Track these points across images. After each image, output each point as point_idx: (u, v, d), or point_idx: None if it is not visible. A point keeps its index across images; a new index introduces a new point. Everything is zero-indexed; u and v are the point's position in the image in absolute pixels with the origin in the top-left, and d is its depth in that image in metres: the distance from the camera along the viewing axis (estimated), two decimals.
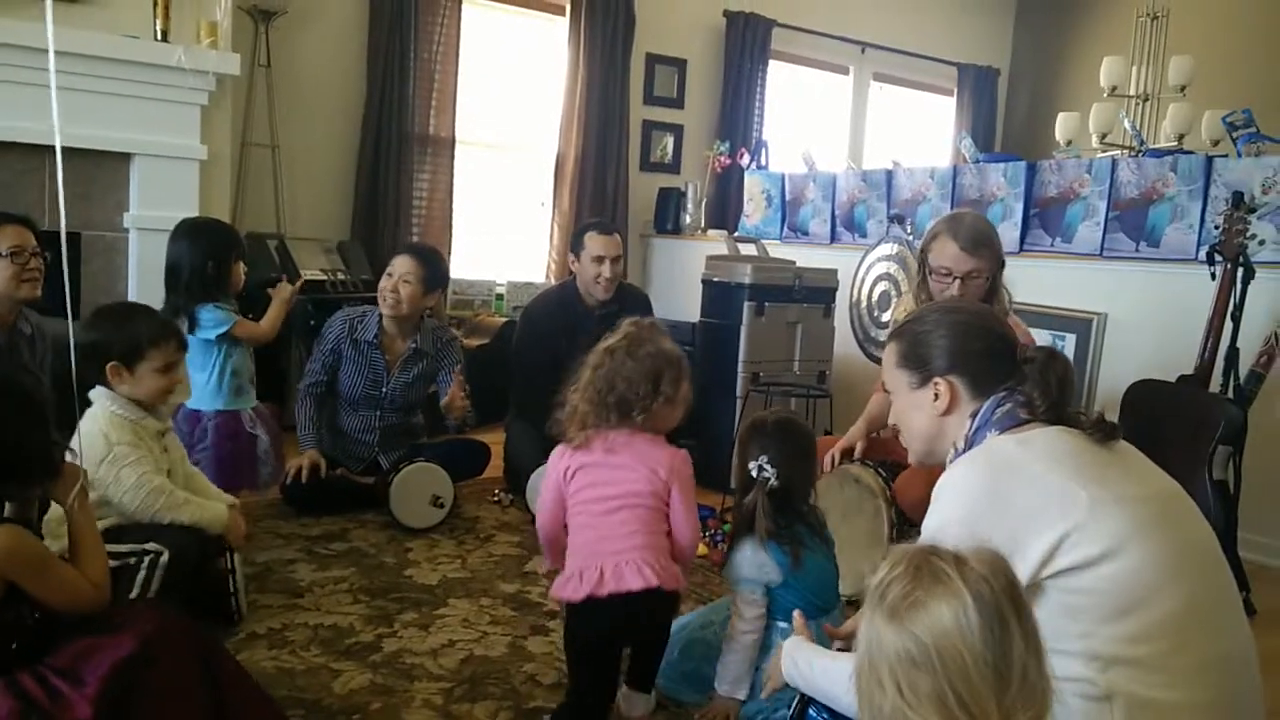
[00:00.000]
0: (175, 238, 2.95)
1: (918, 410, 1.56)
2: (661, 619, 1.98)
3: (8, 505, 1.50)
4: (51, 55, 1.62)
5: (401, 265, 3.33)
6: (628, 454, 1.95)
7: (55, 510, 1.67)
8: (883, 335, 4.16)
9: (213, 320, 2.87)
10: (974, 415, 1.49)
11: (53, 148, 3.52)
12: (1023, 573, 1.29)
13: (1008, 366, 1.49)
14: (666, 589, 1.86)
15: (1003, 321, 1.59)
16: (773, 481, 2.01)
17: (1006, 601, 0.96)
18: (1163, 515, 1.36)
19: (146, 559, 2.10)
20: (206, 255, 2.89)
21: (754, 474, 2.03)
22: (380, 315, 3.38)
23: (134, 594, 2.06)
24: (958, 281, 2.54)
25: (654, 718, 2.05)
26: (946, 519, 1.38)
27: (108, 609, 1.60)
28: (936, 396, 1.52)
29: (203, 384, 2.93)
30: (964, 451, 1.49)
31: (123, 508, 2.13)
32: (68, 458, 1.65)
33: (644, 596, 1.83)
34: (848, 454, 2.80)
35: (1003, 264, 2.62)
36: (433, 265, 3.40)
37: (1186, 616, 1.29)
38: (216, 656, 1.66)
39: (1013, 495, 1.34)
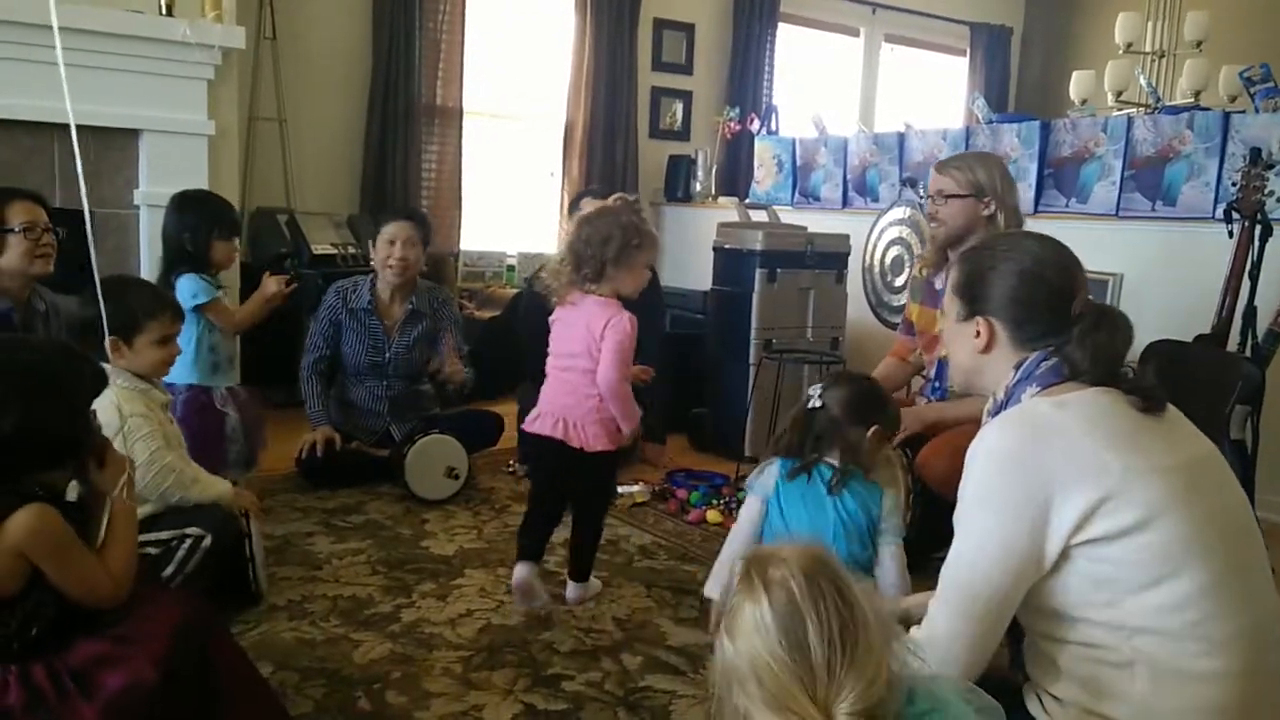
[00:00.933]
0: (166, 209, 2.98)
1: (961, 341, 1.53)
2: (586, 472, 2.28)
3: (39, 486, 1.50)
4: (57, 35, 1.61)
5: (402, 231, 3.35)
6: (576, 314, 2.25)
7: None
8: (896, 300, 4.14)
9: (189, 289, 2.81)
10: (1018, 366, 1.45)
11: (62, 125, 3.53)
12: (1054, 541, 1.29)
13: (1059, 322, 1.43)
14: (584, 449, 2.22)
15: (1073, 270, 1.49)
16: (814, 402, 2.00)
17: (807, 594, 0.99)
18: (1194, 484, 1.34)
19: (188, 541, 2.12)
20: (183, 228, 2.88)
21: (806, 399, 2.04)
22: (372, 282, 3.41)
23: (170, 571, 2.09)
24: (930, 199, 2.65)
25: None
26: (980, 486, 1.36)
27: (131, 604, 1.57)
28: (978, 334, 1.49)
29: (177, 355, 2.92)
30: (1002, 406, 1.46)
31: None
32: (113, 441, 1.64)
33: (566, 449, 2.23)
34: None
35: (998, 197, 2.63)
36: (423, 223, 3.50)
37: (1217, 588, 1.28)
38: (222, 653, 1.63)
39: (1045, 461, 1.31)
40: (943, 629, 1.34)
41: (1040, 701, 1.36)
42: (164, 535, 2.11)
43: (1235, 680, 1.26)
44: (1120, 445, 1.31)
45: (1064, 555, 1.30)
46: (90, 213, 3.70)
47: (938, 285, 2.79)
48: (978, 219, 2.64)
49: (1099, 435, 1.32)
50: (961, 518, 1.37)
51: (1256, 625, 1.30)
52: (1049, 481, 1.29)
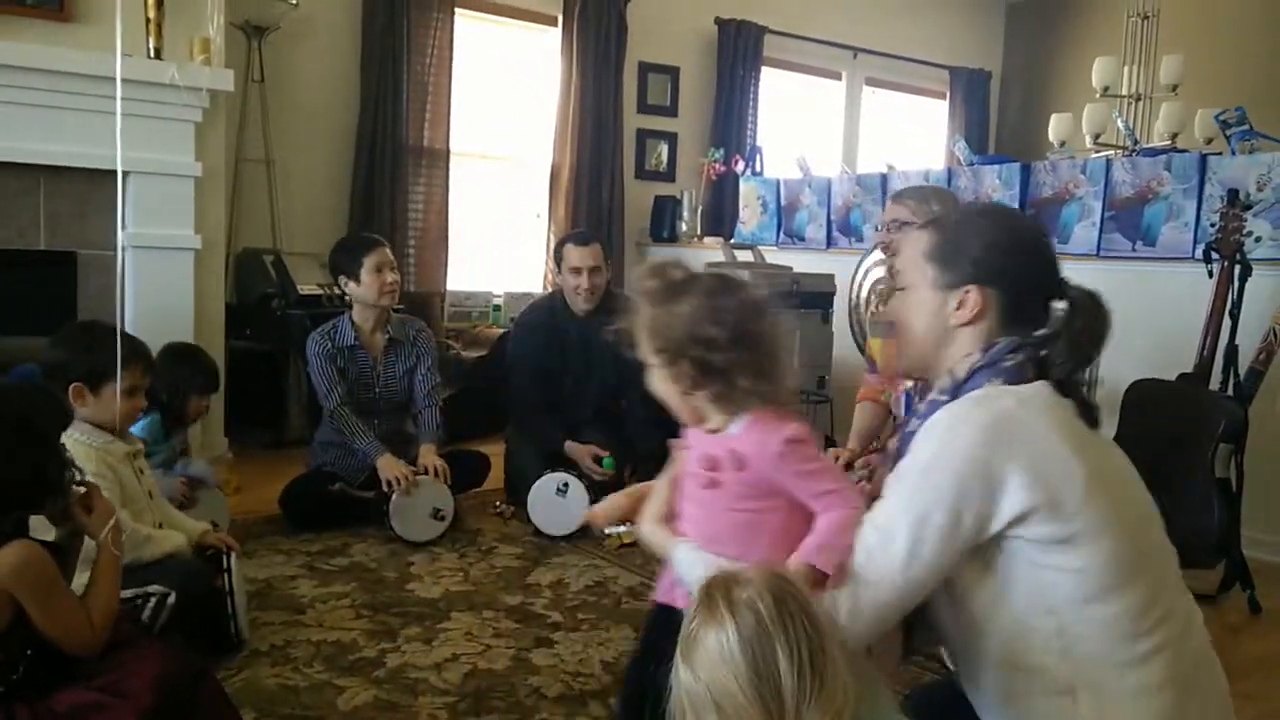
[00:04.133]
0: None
1: (929, 312, 1.40)
2: None
3: (28, 525, 1.49)
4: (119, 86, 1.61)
5: (387, 254, 3.41)
6: None
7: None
8: None
9: (140, 427, 2.67)
10: (985, 350, 1.36)
11: (48, 168, 3.53)
12: (995, 523, 1.24)
13: (1046, 295, 1.35)
14: None
15: (1054, 258, 1.42)
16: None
17: (773, 617, 0.96)
18: (1132, 498, 1.35)
19: (152, 600, 2.07)
20: (166, 382, 2.79)
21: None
22: (351, 319, 3.42)
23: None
24: (886, 229, 2.64)
25: None
26: (935, 459, 1.27)
27: (115, 653, 1.56)
28: (960, 305, 1.37)
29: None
30: (958, 387, 1.36)
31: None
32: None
33: None
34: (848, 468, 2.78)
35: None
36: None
37: (1156, 596, 1.28)
38: (207, 702, 1.61)
39: (1008, 451, 1.24)
40: (865, 596, 1.26)
41: None
42: (126, 593, 2.04)
43: (1174, 687, 1.26)
44: (1083, 452, 1.27)
45: (1002, 550, 1.26)
46: (69, 254, 3.70)
47: None
48: None
49: (1064, 436, 1.27)
50: (901, 481, 1.29)
51: (1189, 624, 1.33)
52: (1006, 465, 1.23)
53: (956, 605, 1.33)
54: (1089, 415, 1.33)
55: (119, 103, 1.59)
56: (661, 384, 1.46)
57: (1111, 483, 1.31)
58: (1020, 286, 1.37)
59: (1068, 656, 1.25)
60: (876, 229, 3.36)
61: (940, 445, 1.28)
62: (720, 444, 1.43)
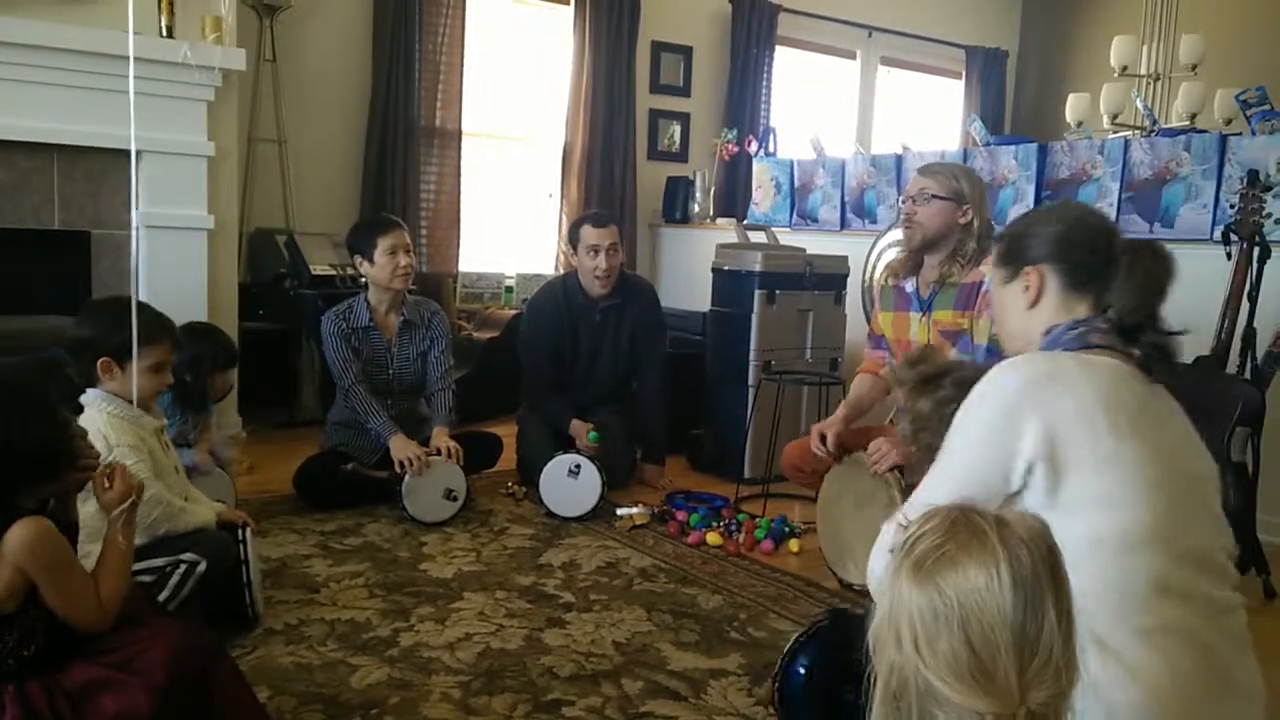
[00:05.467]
0: None
1: (1012, 309, 1.53)
2: None
3: (36, 500, 1.50)
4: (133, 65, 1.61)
5: (402, 239, 3.38)
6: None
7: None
8: None
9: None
10: (1047, 333, 1.46)
11: (60, 146, 3.54)
12: (1018, 463, 1.32)
13: (1104, 261, 1.44)
14: None
15: (1107, 224, 1.54)
16: None
17: (1045, 570, 0.90)
18: (1165, 477, 1.34)
19: (182, 568, 2.11)
20: (187, 362, 2.77)
21: None
22: (366, 299, 3.41)
23: (164, 596, 2.07)
24: (909, 201, 2.66)
25: None
26: (973, 399, 1.37)
27: (129, 630, 1.56)
28: (1026, 288, 1.49)
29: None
30: None
31: None
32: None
33: None
34: (824, 440, 2.78)
35: (976, 207, 2.66)
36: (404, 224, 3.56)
37: (1166, 576, 1.28)
38: (220, 679, 1.62)
39: (1034, 404, 1.32)
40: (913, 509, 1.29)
41: None
42: (158, 562, 2.10)
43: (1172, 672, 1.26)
44: (1121, 429, 1.32)
45: (1019, 501, 1.31)
46: (83, 234, 3.72)
47: (908, 289, 2.81)
48: (954, 225, 2.66)
49: (1106, 412, 1.32)
50: (956, 431, 1.39)
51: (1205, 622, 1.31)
52: (1030, 415, 1.31)
53: None
54: (1166, 363, 1.40)
55: (131, 81, 1.57)
56: None
57: (1142, 460, 1.32)
58: (1071, 254, 1.46)
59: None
60: (899, 203, 3.34)
61: (988, 384, 1.38)
62: None
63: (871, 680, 0.95)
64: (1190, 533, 1.34)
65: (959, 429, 1.39)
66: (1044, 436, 1.30)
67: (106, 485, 1.65)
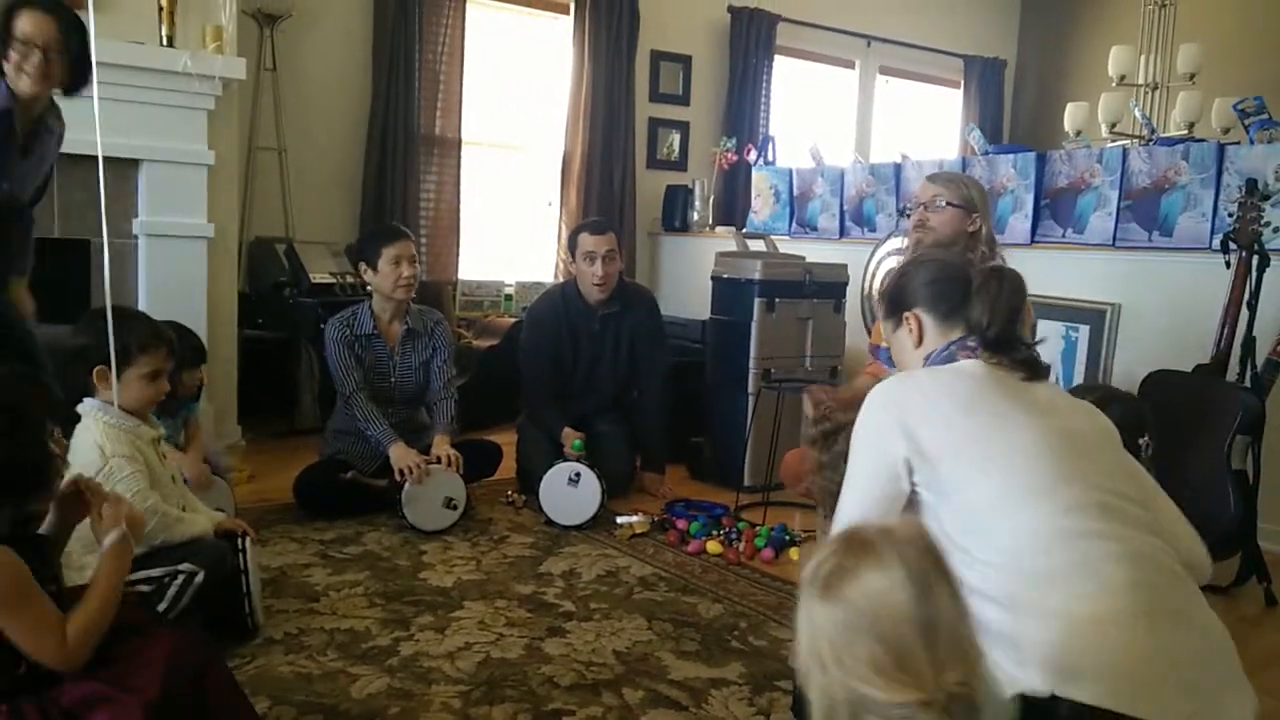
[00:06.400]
0: None
1: (905, 350, 1.74)
2: None
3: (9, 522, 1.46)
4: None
5: (407, 249, 3.37)
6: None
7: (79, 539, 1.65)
8: None
9: None
10: (927, 359, 1.66)
11: (61, 155, 3.53)
12: (900, 467, 1.50)
13: (963, 292, 1.64)
14: None
15: (960, 262, 1.77)
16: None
17: (929, 562, 1.00)
18: (1027, 438, 1.46)
19: (180, 578, 2.10)
20: None
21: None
22: (370, 307, 3.40)
23: (163, 607, 2.06)
24: (921, 208, 2.69)
25: None
26: (855, 431, 1.59)
27: (126, 643, 1.53)
28: (910, 330, 1.71)
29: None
30: None
31: None
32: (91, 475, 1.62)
33: None
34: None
35: (983, 216, 2.70)
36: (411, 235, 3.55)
37: (1059, 518, 1.38)
38: (217, 689, 1.60)
39: (891, 413, 1.53)
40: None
41: None
42: (156, 572, 2.08)
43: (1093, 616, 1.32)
44: (974, 410, 1.50)
45: (916, 500, 1.50)
46: (82, 243, 3.71)
47: None
48: (963, 232, 2.66)
49: (958, 401, 1.51)
50: (850, 455, 1.60)
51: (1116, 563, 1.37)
52: (889, 422, 1.52)
53: None
54: (1033, 369, 1.57)
55: (95, 89, 1.59)
56: None
57: (1006, 428, 1.47)
58: (936, 291, 1.69)
59: (986, 578, 1.36)
60: (905, 211, 3.36)
61: (863, 409, 1.61)
62: None
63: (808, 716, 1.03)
64: (1076, 483, 1.42)
65: (851, 453, 1.61)
66: (904, 433, 1.49)
67: (99, 516, 1.61)
